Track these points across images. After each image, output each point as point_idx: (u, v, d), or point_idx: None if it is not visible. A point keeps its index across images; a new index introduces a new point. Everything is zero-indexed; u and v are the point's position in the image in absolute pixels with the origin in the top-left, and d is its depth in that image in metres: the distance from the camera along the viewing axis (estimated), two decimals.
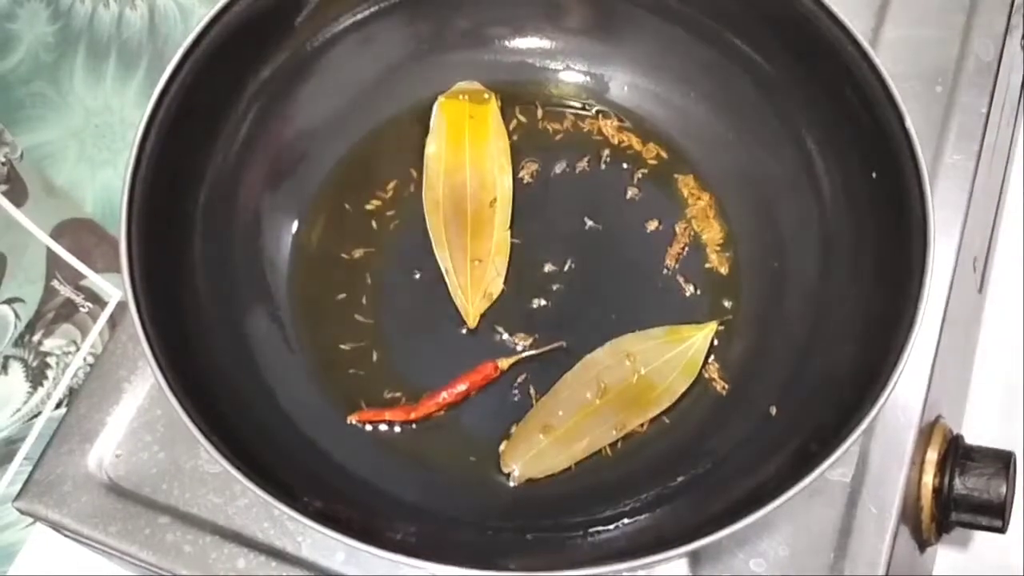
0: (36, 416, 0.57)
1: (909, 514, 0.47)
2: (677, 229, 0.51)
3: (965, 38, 0.55)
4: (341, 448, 0.46)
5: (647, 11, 0.52)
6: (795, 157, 0.49)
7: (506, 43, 0.54)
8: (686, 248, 0.51)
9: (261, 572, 0.45)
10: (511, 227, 0.51)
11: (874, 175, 0.45)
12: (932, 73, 0.54)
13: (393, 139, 0.53)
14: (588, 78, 0.54)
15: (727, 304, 0.49)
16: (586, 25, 0.54)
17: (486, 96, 0.53)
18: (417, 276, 0.50)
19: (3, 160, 0.55)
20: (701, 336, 0.48)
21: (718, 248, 0.50)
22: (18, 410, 0.57)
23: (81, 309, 0.59)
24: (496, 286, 0.50)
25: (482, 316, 0.49)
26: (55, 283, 0.57)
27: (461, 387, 0.47)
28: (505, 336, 0.49)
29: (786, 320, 0.48)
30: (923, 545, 0.51)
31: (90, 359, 0.59)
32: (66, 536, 0.48)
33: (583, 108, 0.54)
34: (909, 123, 0.43)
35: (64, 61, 0.60)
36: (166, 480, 0.47)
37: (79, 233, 0.59)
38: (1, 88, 0.59)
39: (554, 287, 0.50)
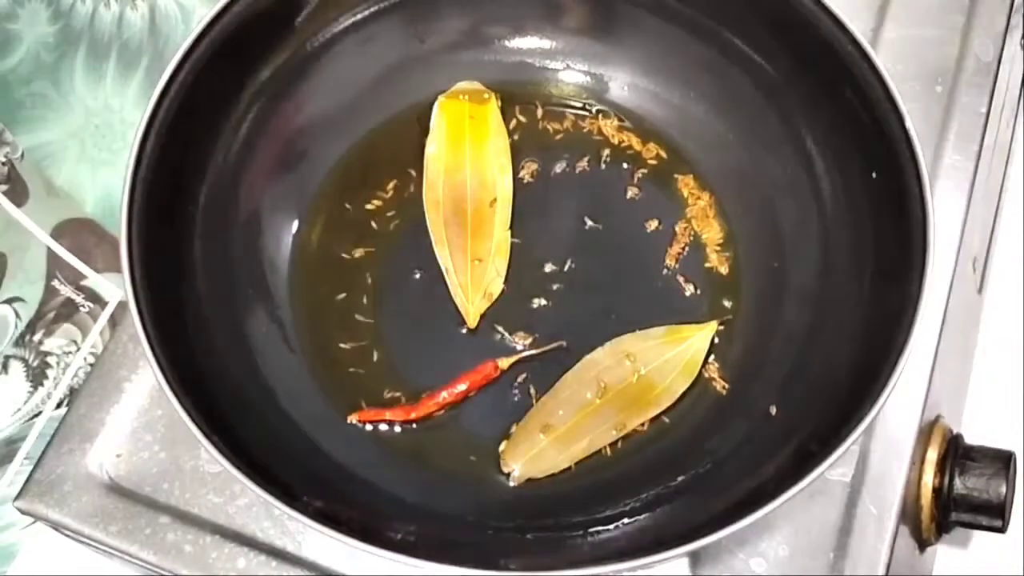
0: (37, 416, 0.58)
1: (909, 514, 0.47)
2: (677, 229, 0.51)
3: (965, 38, 0.55)
4: (341, 448, 0.46)
5: (647, 11, 0.52)
6: (795, 157, 0.49)
7: (506, 43, 0.54)
8: (686, 248, 0.51)
9: (261, 572, 0.45)
10: (511, 227, 0.51)
11: (874, 175, 0.45)
12: (932, 73, 0.54)
13: (393, 139, 0.53)
14: (588, 78, 0.54)
15: (727, 304, 0.49)
16: (586, 25, 0.54)
17: (486, 96, 0.53)
18: (417, 276, 0.50)
19: (3, 160, 0.55)
20: (701, 336, 0.48)
21: (718, 248, 0.50)
22: (19, 410, 0.57)
23: (81, 309, 0.59)
24: (496, 286, 0.50)
25: (482, 316, 0.49)
26: (55, 283, 0.57)
27: (461, 387, 0.47)
28: (505, 336, 0.49)
29: (786, 320, 0.48)
30: (923, 545, 0.51)
31: (91, 359, 0.59)
32: (66, 536, 0.48)
33: (583, 108, 0.54)
34: (909, 123, 0.43)
35: (65, 61, 0.61)
36: (166, 480, 0.47)
37: (79, 233, 0.59)
38: (2, 88, 0.59)
39: (554, 287, 0.50)
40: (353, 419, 0.47)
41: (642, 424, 0.47)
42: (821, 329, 0.46)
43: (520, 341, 0.49)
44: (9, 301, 0.55)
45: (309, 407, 0.47)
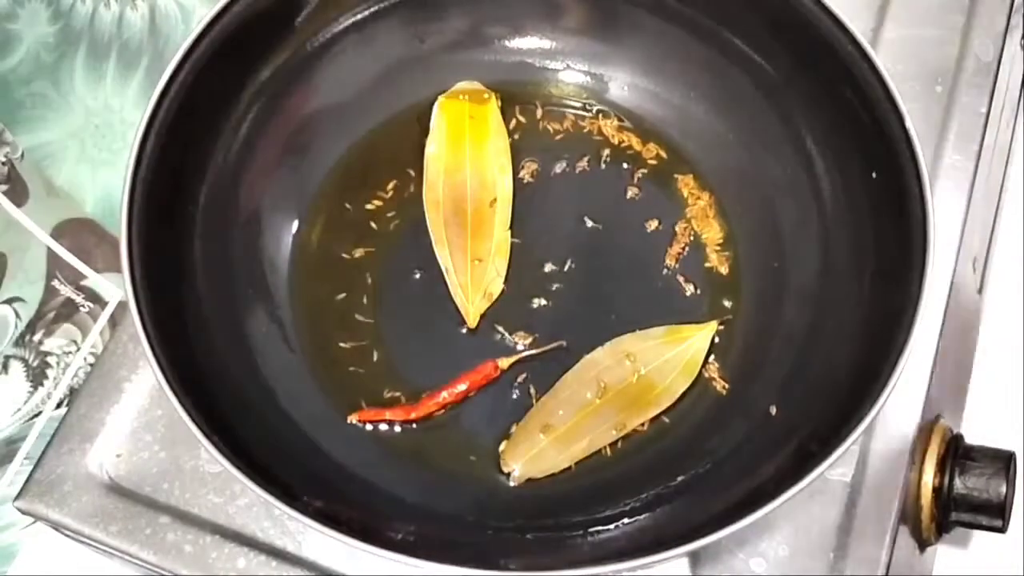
0: (37, 416, 0.58)
1: (909, 514, 0.47)
2: (677, 229, 0.51)
3: (965, 38, 0.55)
4: (341, 448, 0.46)
5: (647, 11, 0.52)
6: (795, 157, 0.49)
7: (506, 43, 0.54)
8: (686, 248, 0.51)
9: (261, 572, 0.45)
10: (511, 227, 0.51)
11: (874, 175, 0.45)
12: (932, 73, 0.54)
13: (393, 139, 0.53)
14: (588, 78, 0.54)
15: (727, 304, 0.49)
16: (586, 25, 0.54)
17: (486, 96, 0.53)
18: (417, 276, 0.50)
19: (3, 160, 0.55)
20: (701, 336, 0.48)
21: (718, 248, 0.50)
22: (19, 410, 0.57)
23: (81, 309, 0.59)
24: (496, 286, 0.50)
25: (482, 316, 0.49)
26: (56, 283, 0.57)
27: (461, 387, 0.47)
28: (505, 336, 0.49)
29: (786, 320, 0.48)
30: (923, 545, 0.51)
31: (91, 359, 0.59)
32: (66, 536, 0.48)
33: (583, 108, 0.54)
34: (909, 123, 0.43)
35: (65, 61, 0.61)
36: (166, 480, 0.47)
37: (79, 233, 0.59)
38: (2, 88, 0.59)
39: (554, 287, 0.50)
40: (353, 419, 0.47)
41: (642, 424, 0.47)
42: (821, 329, 0.46)
43: (520, 341, 0.49)
44: (9, 301, 0.55)
45: (309, 407, 0.47)
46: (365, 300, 0.50)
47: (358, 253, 0.51)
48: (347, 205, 0.52)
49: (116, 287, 0.60)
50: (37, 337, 0.57)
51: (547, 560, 0.42)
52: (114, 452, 0.48)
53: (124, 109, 0.62)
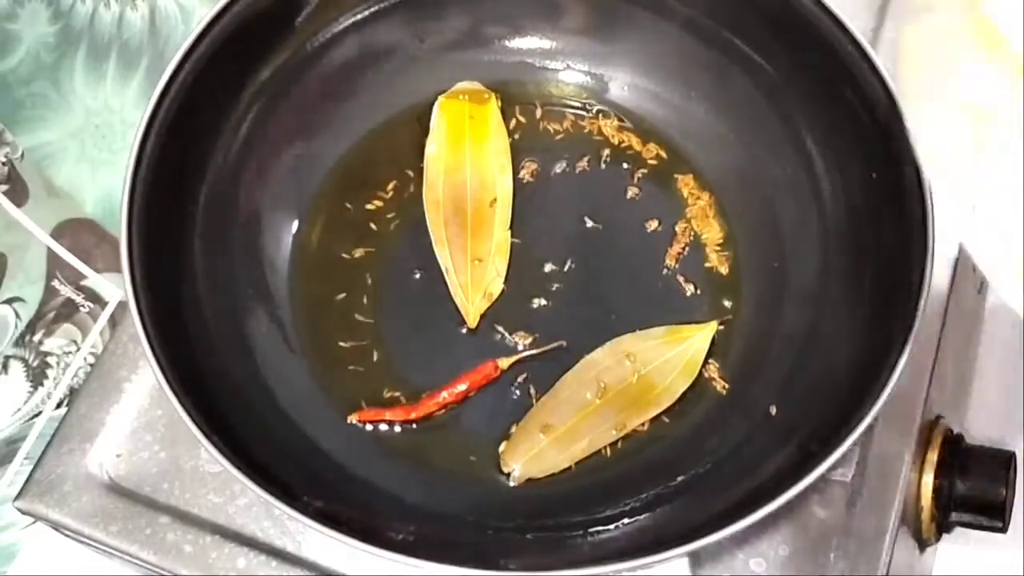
0: (37, 416, 0.58)
1: (909, 514, 0.47)
2: (677, 229, 0.51)
3: None
4: (341, 448, 0.46)
5: (647, 11, 0.52)
6: (795, 157, 0.49)
7: (506, 43, 0.54)
8: (686, 248, 0.51)
9: (261, 572, 0.45)
10: (511, 227, 0.51)
11: (874, 175, 0.45)
12: None
13: (393, 139, 0.53)
14: (588, 78, 0.54)
15: (727, 304, 0.49)
16: (586, 25, 0.54)
17: (486, 96, 0.53)
18: (417, 276, 0.50)
19: (4, 160, 0.55)
20: (701, 336, 0.48)
21: (718, 248, 0.50)
22: (19, 410, 0.57)
23: (82, 309, 0.59)
24: (496, 286, 0.50)
25: (482, 316, 0.49)
26: (56, 283, 0.57)
27: (461, 387, 0.47)
28: (505, 336, 0.49)
29: (786, 320, 0.48)
30: (923, 545, 0.51)
31: (91, 359, 0.59)
32: (66, 536, 0.48)
33: (583, 108, 0.54)
34: (909, 123, 0.43)
35: (65, 61, 0.61)
36: (166, 480, 0.47)
37: (79, 233, 0.59)
38: (2, 88, 0.59)
39: (554, 287, 0.50)
40: (353, 419, 0.47)
41: (642, 424, 0.47)
42: (821, 329, 0.46)
43: (520, 341, 0.49)
44: (9, 301, 0.55)
45: (309, 407, 0.47)
46: (365, 300, 0.50)
47: (358, 253, 0.51)
48: (347, 205, 0.52)
49: (116, 287, 0.60)
50: (37, 337, 0.57)
51: (547, 560, 0.42)
52: (114, 452, 0.48)
53: (124, 109, 0.62)
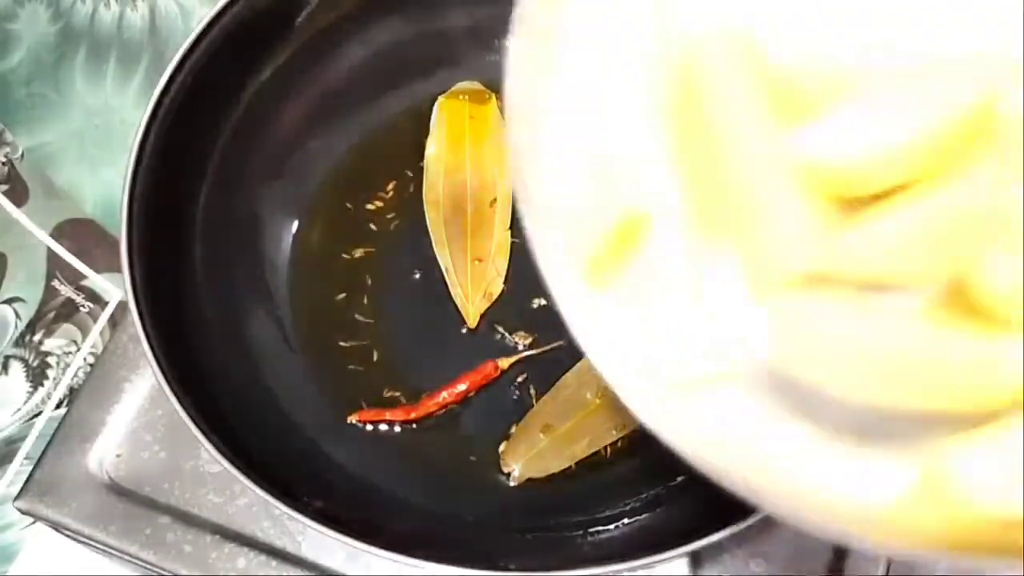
0: (37, 416, 0.57)
1: None
2: None
3: None
4: (341, 448, 0.46)
5: None
6: None
7: (506, 43, 0.54)
8: None
9: (261, 571, 0.45)
10: (511, 227, 0.51)
11: None
12: None
13: (393, 139, 0.53)
14: None
15: None
16: None
17: (486, 96, 0.53)
18: (417, 276, 0.50)
19: (3, 160, 0.55)
20: None
21: None
22: (18, 410, 0.57)
23: (82, 309, 0.59)
24: (496, 286, 0.50)
25: (482, 316, 0.49)
26: (56, 283, 0.57)
27: (461, 387, 0.47)
28: (505, 336, 0.49)
29: None
30: None
31: (90, 359, 0.59)
32: (66, 536, 0.48)
33: None
34: None
35: (65, 61, 0.61)
36: (166, 480, 0.47)
37: (79, 233, 0.59)
38: (2, 88, 0.59)
39: None
40: (353, 419, 0.47)
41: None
42: None
43: (520, 341, 0.49)
44: (9, 301, 0.55)
45: (309, 407, 0.47)
46: (365, 300, 0.50)
47: (358, 253, 0.51)
48: (347, 205, 0.52)
49: (116, 287, 0.60)
50: (37, 337, 0.57)
51: (547, 560, 0.42)
52: (114, 452, 0.48)
53: (124, 109, 0.62)
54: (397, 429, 0.47)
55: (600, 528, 0.44)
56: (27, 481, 0.48)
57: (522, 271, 0.50)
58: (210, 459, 0.42)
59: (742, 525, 0.38)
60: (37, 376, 0.57)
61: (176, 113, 0.45)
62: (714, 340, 0.32)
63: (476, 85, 0.53)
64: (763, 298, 0.32)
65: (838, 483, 0.32)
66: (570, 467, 0.46)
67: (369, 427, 0.47)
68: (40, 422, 0.58)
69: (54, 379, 0.58)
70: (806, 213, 0.32)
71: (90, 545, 0.48)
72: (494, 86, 0.53)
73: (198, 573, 0.45)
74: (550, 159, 0.33)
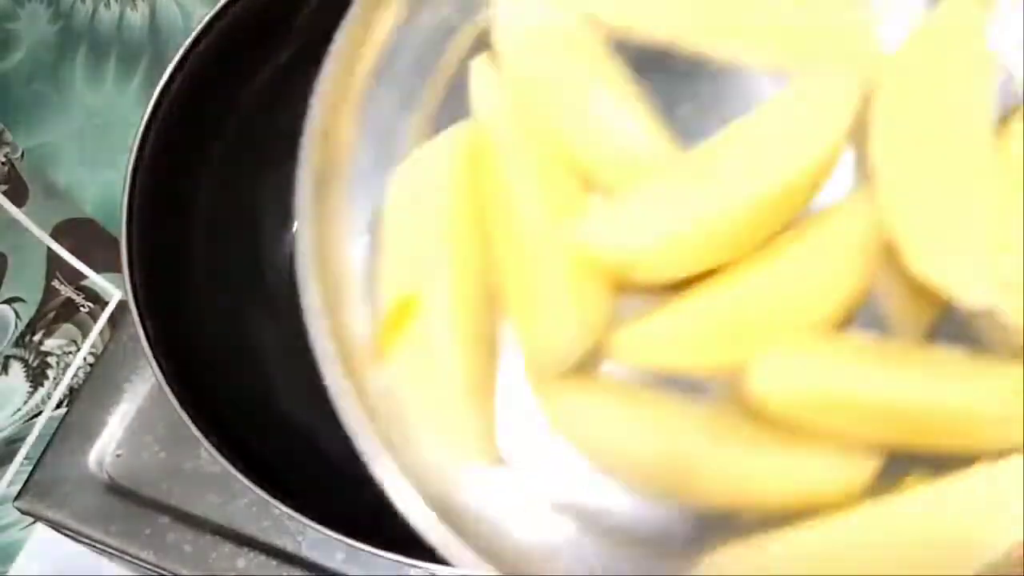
0: (37, 416, 0.57)
1: None
2: None
3: None
4: (341, 448, 0.46)
5: None
6: None
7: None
8: None
9: (261, 571, 0.45)
10: None
11: None
12: None
13: None
14: None
15: None
16: None
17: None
18: None
19: (3, 160, 0.55)
20: None
21: None
22: (19, 410, 0.57)
23: (82, 309, 0.59)
24: None
25: None
26: (56, 283, 0.57)
27: None
28: None
29: None
30: None
31: (91, 359, 0.59)
32: (66, 536, 0.48)
33: None
34: None
35: (65, 61, 0.60)
36: (166, 480, 0.47)
37: (79, 233, 0.59)
38: (2, 88, 0.59)
39: None
40: None
41: None
42: None
43: None
44: (9, 301, 0.55)
45: (310, 407, 0.47)
46: None
47: None
48: None
49: (116, 287, 0.60)
50: (37, 337, 0.57)
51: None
52: (114, 452, 0.48)
53: (124, 109, 0.62)
54: None
55: None
56: (27, 481, 0.48)
57: None
58: (210, 459, 0.42)
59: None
60: (37, 376, 0.57)
61: (176, 113, 0.45)
62: (482, 424, 0.31)
63: None
64: (535, 387, 0.31)
65: None
66: None
67: None
68: (40, 422, 0.58)
69: (54, 379, 0.58)
70: (579, 305, 0.31)
71: (90, 545, 0.48)
72: None
73: (198, 573, 0.45)
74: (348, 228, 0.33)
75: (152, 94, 0.44)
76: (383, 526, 0.42)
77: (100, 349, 0.59)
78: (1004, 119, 0.33)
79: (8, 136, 0.57)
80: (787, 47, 0.34)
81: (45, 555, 0.58)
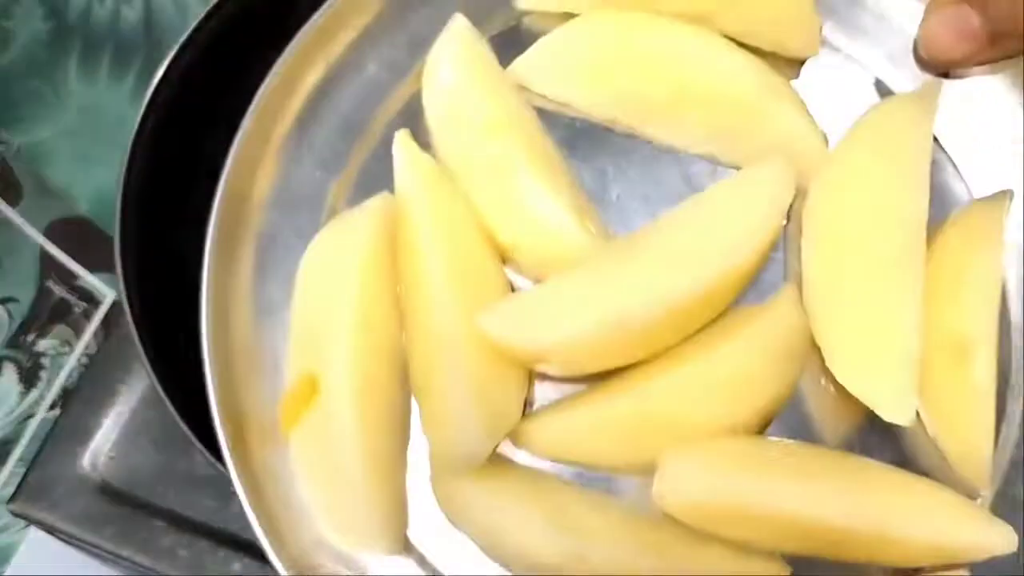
0: (30, 417, 0.57)
1: None
2: None
3: None
4: None
5: None
6: None
7: None
8: None
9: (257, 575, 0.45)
10: None
11: None
12: None
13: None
14: None
15: None
16: None
17: None
18: None
19: None
20: None
21: None
22: (12, 411, 0.56)
23: (75, 309, 0.58)
24: None
25: None
26: (49, 283, 0.57)
27: None
28: None
29: None
30: None
31: (84, 360, 0.59)
32: (60, 539, 0.48)
33: None
34: None
35: (59, 58, 0.60)
36: (161, 483, 0.47)
37: (73, 232, 0.58)
38: None
39: None
40: None
41: None
42: None
43: None
44: (2, 301, 0.55)
45: None
46: None
47: None
48: None
49: (110, 287, 0.60)
50: (30, 337, 0.56)
51: None
52: (108, 454, 0.48)
53: (119, 107, 0.62)
54: None
55: None
56: (20, 484, 0.47)
57: None
58: (205, 461, 0.42)
59: None
60: (30, 377, 0.56)
61: (171, 111, 0.44)
62: (382, 509, 0.31)
63: None
64: (432, 478, 0.31)
65: None
66: None
67: None
68: (33, 424, 0.57)
69: (47, 380, 0.57)
70: (485, 407, 0.30)
71: (84, 548, 0.47)
72: None
73: None
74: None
75: (147, 92, 0.44)
76: None
77: (94, 350, 0.58)
78: (942, 220, 0.33)
79: (2, 134, 0.56)
80: (723, 142, 0.34)
81: (41, 557, 0.58)
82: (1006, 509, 0.31)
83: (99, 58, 0.61)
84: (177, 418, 0.39)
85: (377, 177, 0.33)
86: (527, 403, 0.32)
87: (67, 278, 0.58)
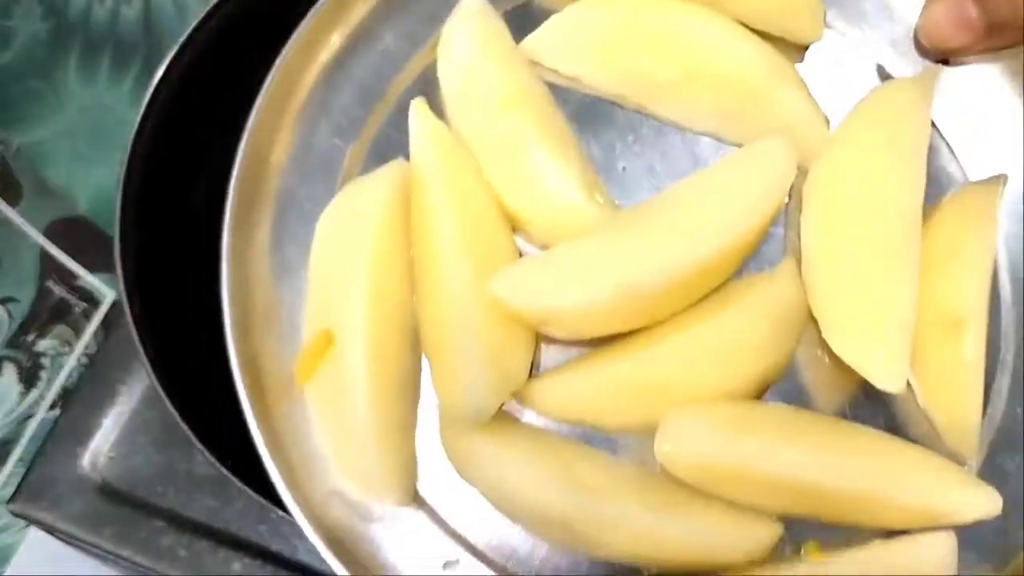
0: (30, 417, 0.57)
1: None
2: None
3: None
4: None
5: None
6: None
7: None
8: None
9: (257, 575, 0.45)
10: None
11: None
12: None
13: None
14: None
15: None
16: None
17: None
18: None
19: None
20: None
21: None
22: (11, 411, 0.56)
23: (75, 309, 0.58)
24: None
25: None
26: (49, 283, 0.57)
27: None
28: None
29: None
30: None
31: (84, 360, 0.59)
32: (60, 539, 0.48)
33: None
34: None
35: (58, 58, 0.60)
36: (161, 483, 0.47)
37: (73, 232, 0.58)
38: None
39: None
40: None
41: None
42: None
43: None
44: (2, 301, 0.55)
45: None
46: None
47: None
48: None
49: (109, 287, 0.60)
50: (30, 337, 0.56)
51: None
52: (108, 454, 0.48)
53: (118, 107, 0.62)
54: None
55: None
56: (20, 484, 0.47)
57: None
58: (205, 461, 0.42)
59: None
60: (30, 377, 0.56)
61: (171, 111, 0.44)
62: (391, 463, 0.32)
63: None
64: (442, 433, 0.32)
65: None
66: None
67: None
68: (33, 424, 0.57)
69: (47, 380, 0.57)
70: (495, 365, 0.31)
71: (84, 548, 0.47)
72: None
73: None
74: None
75: (146, 92, 0.44)
76: None
77: (94, 350, 0.58)
78: (938, 201, 0.34)
79: (1, 134, 0.56)
80: (728, 122, 0.35)
81: (41, 556, 0.58)
82: (992, 478, 0.32)
83: (99, 58, 0.61)
84: (177, 418, 0.39)
85: (392, 144, 0.34)
86: (534, 365, 0.33)
87: (67, 278, 0.58)
